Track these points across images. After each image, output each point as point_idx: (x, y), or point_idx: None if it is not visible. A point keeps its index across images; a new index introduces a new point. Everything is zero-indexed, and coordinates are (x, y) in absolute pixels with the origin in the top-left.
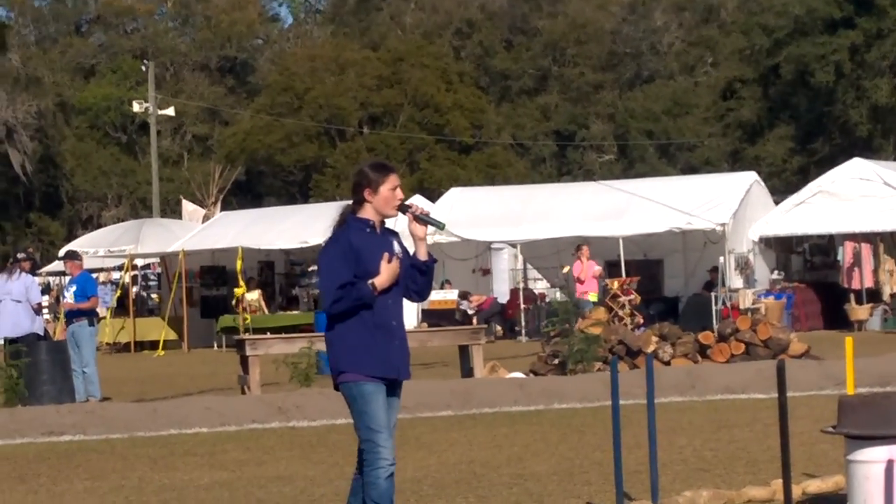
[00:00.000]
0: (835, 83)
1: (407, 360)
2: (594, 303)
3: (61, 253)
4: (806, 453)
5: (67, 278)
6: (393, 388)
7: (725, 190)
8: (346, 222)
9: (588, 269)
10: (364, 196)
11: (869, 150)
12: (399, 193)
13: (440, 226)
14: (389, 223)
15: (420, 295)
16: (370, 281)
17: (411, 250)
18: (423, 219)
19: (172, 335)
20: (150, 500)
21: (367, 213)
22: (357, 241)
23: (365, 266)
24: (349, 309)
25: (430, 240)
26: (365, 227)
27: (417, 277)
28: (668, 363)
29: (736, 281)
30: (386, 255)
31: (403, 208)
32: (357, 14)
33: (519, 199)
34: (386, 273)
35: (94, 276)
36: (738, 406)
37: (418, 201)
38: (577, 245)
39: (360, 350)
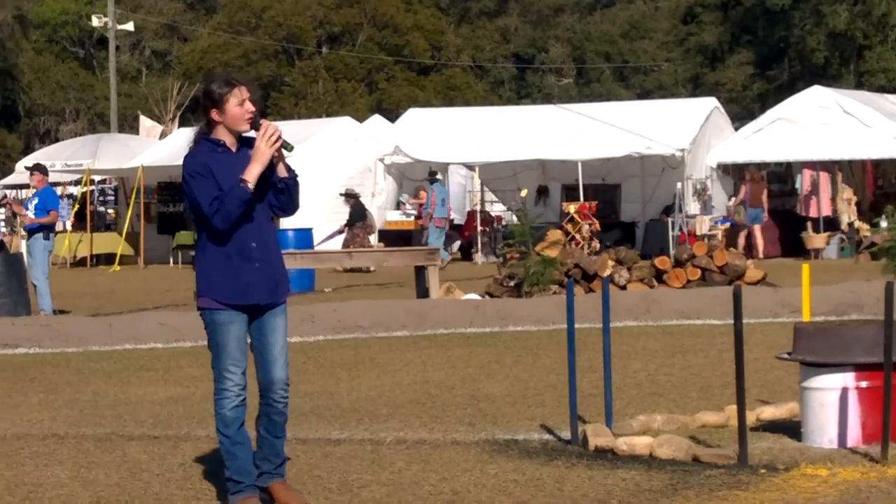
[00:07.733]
0: (792, 7)
1: (273, 282)
2: None
3: (27, 164)
4: (760, 380)
5: (32, 191)
6: (265, 311)
7: (685, 115)
8: (200, 143)
9: None
10: (212, 116)
11: (827, 77)
12: (248, 106)
13: (289, 147)
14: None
15: (284, 211)
16: (240, 176)
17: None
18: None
19: (129, 250)
20: (104, 414)
21: (219, 133)
22: (209, 161)
23: (219, 185)
24: (231, 215)
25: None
26: (216, 147)
27: (278, 195)
28: (623, 287)
29: (693, 207)
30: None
31: (256, 124)
32: None
33: (478, 121)
34: (257, 160)
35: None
36: (692, 331)
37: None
38: None
39: (214, 274)
